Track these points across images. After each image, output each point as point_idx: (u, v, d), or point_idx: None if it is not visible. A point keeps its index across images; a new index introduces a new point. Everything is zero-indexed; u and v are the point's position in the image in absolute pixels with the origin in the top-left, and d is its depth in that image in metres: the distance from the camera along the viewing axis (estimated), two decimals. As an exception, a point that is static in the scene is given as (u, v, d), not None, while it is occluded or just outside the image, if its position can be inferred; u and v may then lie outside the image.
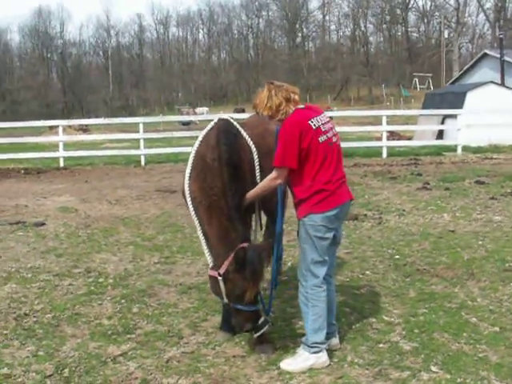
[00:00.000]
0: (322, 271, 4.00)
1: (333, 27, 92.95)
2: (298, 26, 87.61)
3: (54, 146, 21.34)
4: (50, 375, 3.94)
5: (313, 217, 3.92)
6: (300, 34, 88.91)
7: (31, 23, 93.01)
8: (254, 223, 4.72)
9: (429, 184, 12.16)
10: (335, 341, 4.26)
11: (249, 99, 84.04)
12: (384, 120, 18.73)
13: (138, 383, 3.80)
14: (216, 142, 4.23)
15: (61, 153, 18.81)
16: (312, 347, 3.99)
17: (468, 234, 7.76)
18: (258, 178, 4.37)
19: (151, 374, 3.93)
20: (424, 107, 24.57)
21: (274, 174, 4.01)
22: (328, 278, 4.19)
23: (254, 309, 4.01)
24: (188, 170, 4.36)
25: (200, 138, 4.41)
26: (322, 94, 74.89)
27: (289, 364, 3.99)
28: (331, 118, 5.17)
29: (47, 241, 8.02)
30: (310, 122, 3.94)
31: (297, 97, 4.06)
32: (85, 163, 19.13)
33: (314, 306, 3.99)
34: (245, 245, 3.91)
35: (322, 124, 3.99)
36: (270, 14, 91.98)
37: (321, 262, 3.99)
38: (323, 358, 4.00)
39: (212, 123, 4.49)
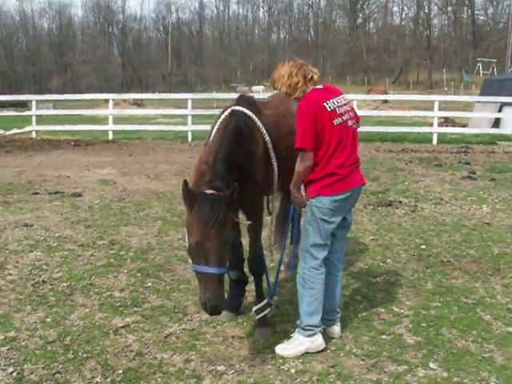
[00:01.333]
0: (321, 254, 3.95)
1: (395, 8, 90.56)
2: (359, 6, 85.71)
3: (114, 120, 21.18)
4: (52, 341, 4.07)
5: (321, 199, 3.86)
6: (361, 15, 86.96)
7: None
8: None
9: (475, 173, 11.73)
10: (336, 329, 4.19)
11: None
12: (436, 105, 18.12)
13: (132, 356, 3.86)
14: (229, 117, 4.18)
15: (110, 126, 19.23)
16: (306, 330, 3.95)
17: (504, 227, 7.44)
18: (273, 158, 4.26)
19: (148, 347, 3.98)
20: (481, 94, 23.55)
21: (299, 157, 3.90)
22: (336, 264, 4.14)
23: (209, 271, 3.44)
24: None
25: (219, 117, 4.37)
26: (380, 77, 73.24)
27: (283, 349, 3.96)
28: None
29: (80, 212, 8.22)
30: (325, 103, 3.85)
31: (316, 76, 3.97)
32: (133, 137, 19.49)
33: (311, 288, 3.94)
34: (206, 190, 3.66)
35: (338, 106, 3.89)
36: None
37: (322, 245, 3.94)
38: (318, 341, 3.95)
39: (233, 101, 4.43)
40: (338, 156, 3.83)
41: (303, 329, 3.96)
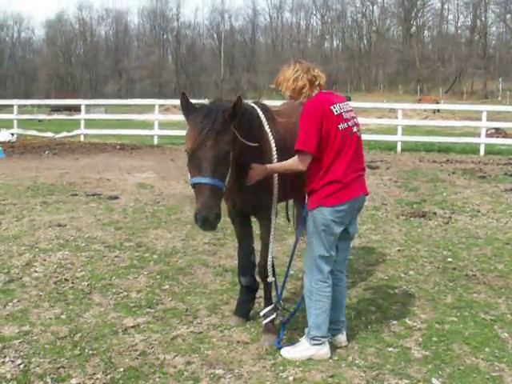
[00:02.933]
0: (327, 266, 3.90)
1: (451, 17, 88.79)
2: (413, 14, 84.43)
3: (162, 125, 21.19)
4: (63, 337, 4.19)
5: (322, 210, 3.80)
6: (415, 23, 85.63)
7: (150, 5, 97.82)
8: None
9: (519, 186, 11.35)
10: (342, 338, 4.14)
11: (358, 88, 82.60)
12: (484, 116, 17.64)
13: (136, 355, 3.93)
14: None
15: (155, 131, 19.62)
16: (313, 339, 3.93)
17: (540, 242, 7.16)
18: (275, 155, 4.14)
19: (152, 348, 4.05)
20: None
21: (297, 158, 3.82)
22: (339, 274, 4.09)
23: (201, 181, 3.48)
24: None
25: None
26: (433, 86, 71.85)
27: (288, 351, 3.96)
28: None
29: (113, 214, 8.43)
30: (332, 107, 3.79)
31: (322, 82, 3.92)
32: (179, 142, 19.78)
33: (318, 301, 3.90)
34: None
35: (344, 112, 3.84)
36: (385, 1, 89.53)
37: (327, 257, 3.88)
38: (324, 350, 3.93)
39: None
40: (339, 163, 3.76)
41: (311, 338, 3.94)
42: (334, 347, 4.06)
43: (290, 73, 3.88)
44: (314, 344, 3.93)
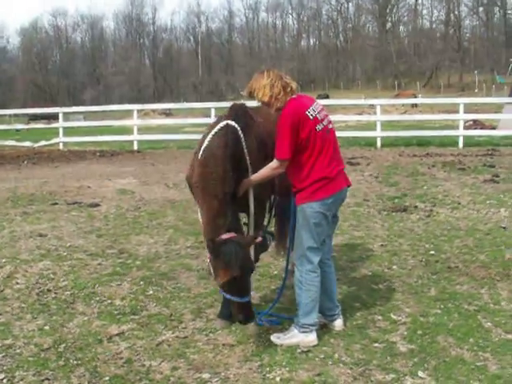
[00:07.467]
0: (316, 258, 4.06)
1: (425, 11, 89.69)
2: (388, 10, 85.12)
3: (141, 130, 21.29)
4: (47, 349, 4.13)
5: (311, 204, 3.97)
6: (390, 19, 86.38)
7: (125, 10, 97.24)
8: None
9: (498, 176, 11.45)
10: (339, 321, 4.37)
11: (336, 85, 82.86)
12: (461, 108, 17.82)
13: (121, 363, 3.89)
14: (225, 132, 4.20)
15: (134, 136, 19.53)
16: (302, 327, 4.08)
17: (520, 232, 7.24)
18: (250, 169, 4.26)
19: (138, 355, 4.02)
20: (511, 95, 23.08)
21: (275, 163, 4.02)
22: (326, 261, 4.27)
23: (241, 300, 3.87)
24: (197, 156, 4.35)
25: (212, 127, 4.39)
26: (411, 81, 72.45)
27: (277, 337, 4.14)
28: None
29: (95, 221, 8.35)
30: (307, 112, 3.96)
31: (294, 86, 4.08)
32: (158, 147, 19.72)
33: (308, 291, 4.07)
34: (225, 235, 3.88)
35: (318, 113, 4.03)
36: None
37: (316, 248, 4.04)
38: (310, 337, 4.08)
39: (226, 111, 4.46)
40: (322, 161, 3.94)
41: (300, 326, 4.09)
42: (319, 346, 4.08)
43: (265, 80, 3.99)
44: (303, 331, 4.07)
